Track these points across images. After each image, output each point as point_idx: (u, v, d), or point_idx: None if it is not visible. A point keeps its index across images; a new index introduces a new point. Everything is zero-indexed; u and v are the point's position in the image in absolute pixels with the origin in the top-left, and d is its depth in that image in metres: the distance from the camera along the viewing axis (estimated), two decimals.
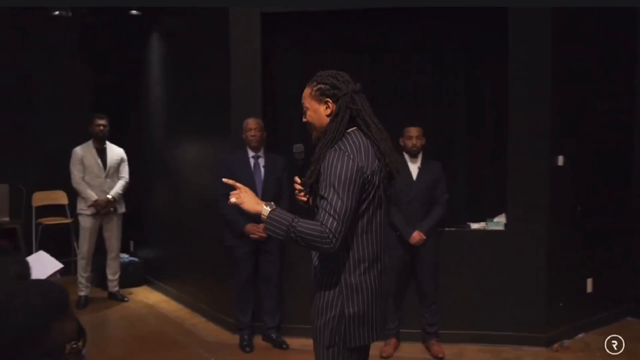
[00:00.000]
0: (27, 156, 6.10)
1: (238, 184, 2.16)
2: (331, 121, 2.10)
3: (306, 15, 4.35)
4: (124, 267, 5.67)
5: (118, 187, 5.30)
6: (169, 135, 5.49)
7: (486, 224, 4.26)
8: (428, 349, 4.10)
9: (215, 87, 4.53)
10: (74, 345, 1.22)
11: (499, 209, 4.33)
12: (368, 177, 2.03)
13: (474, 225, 4.26)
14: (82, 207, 5.24)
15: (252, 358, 4.09)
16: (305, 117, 2.18)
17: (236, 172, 4.04)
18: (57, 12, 6.57)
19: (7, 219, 5.92)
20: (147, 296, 5.63)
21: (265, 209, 2.05)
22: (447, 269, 4.16)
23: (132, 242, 6.25)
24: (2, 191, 5.98)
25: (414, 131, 3.94)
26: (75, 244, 5.99)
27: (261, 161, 4.18)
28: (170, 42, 5.43)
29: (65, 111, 6.33)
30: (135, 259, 6.00)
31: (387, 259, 2.22)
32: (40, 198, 6.12)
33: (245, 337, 4.24)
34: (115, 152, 5.37)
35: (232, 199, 2.11)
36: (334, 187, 1.98)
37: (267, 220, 2.02)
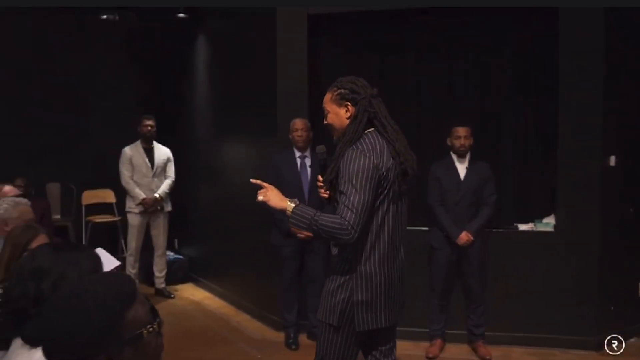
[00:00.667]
0: (77, 156, 6.31)
1: (264, 184, 2.35)
2: (350, 123, 2.28)
3: (351, 16, 4.37)
4: (169, 264, 5.80)
5: (165, 186, 5.43)
6: (215, 136, 5.59)
7: (534, 225, 4.20)
8: (474, 350, 4.07)
9: (261, 87, 4.60)
10: (151, 329, 1.26)
11: (547, 210, 4.27)
12: (383, 173, 2.21)
13: (522, 226, 4.20)
14: (130, 205, 5.38)
15: (298, 356, 4.13)
16: (326, 120, 2.37)
17: (283, 172, 4.11)
18: (104, 17, 6.81)
19: (58, 216, 6.14)
20: (192, 293, 5.74)
21: (290, 205, 2.24)
22: (494, 270, 4.12)
23: (176, 240, 6.38)
24: (54, 190, 6.22)
25: (462, 131, 3.91)
26: (122, 241, 6.16)
27: (307, 161, 4.22)
28: (216, 44, 5.53)
29: (113, 112, 6.52)
30: (180, 257, 6.13)
31: (403, 252, 2.41)
32: (90, 197, 6.31)
33: (291, 334, 4.29)
34: (162, 151, 5.50)
35: (260, 197, 2.31)
36: (352, 183, 2.16)
37: (292, 214, 2.22)
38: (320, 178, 2.40)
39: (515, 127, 4.42)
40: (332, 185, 2.32)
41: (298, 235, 4.09)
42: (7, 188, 3.59)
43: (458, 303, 4.16)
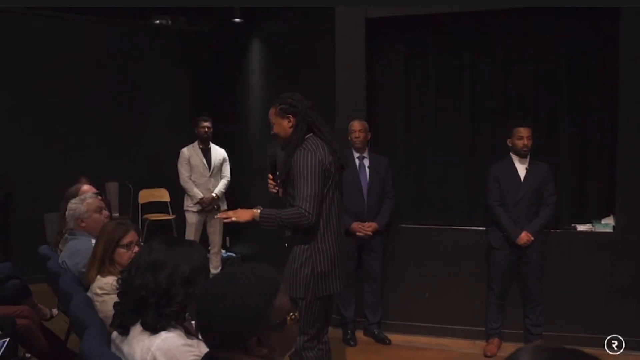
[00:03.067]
0: (134, 156, 6.55)
1: (226, 213, 2.86)
2: (294, 131, 2.74)
3: (409, 19, 4.44)
4: (223, 261, 5.97)
5: (221, 185, 5.60)
6: (270, 137, 5.72)
7: (593, 225, 4.20)
8: None
9: (319, 89, 4.71)
10: (293, 316, 1.38)
11: (606, 210, 4.27)
12: (327, 167, 2.69)
13: (581, 227, 4.21)
14: (188, 204, 5.57)
15: (357, 352, 4.22)
16: (272, 130, 2.84)
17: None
18: (157, 22, 7.04)
19: (117, 214, 6.38)
20: None
21: (256, 212, 2.71)
22: (553, 270, 4.13)
23: (228, 238, 6.56)
24: (112, 189, 6.46)
25: (524, 131, 3.94)
26: None
27: (366, 162, 4.31)
28: (272, 48, 5.68)
29: (168, 114, 6.75)
30: (233, 254, 6.30)
31: (342, 230, 2.90)
32: (146, 195, 6.55)
33: (349, 331, 4.39)
34: (218, 152, 5.68)
35: (233, 218, 2.75)
36: (303, 177, 2.63)
37: (260, 217, 2.69)
38: (270, 176, 2.87)
39: (574, 126, 4.42)
40: (285, 183, 2.77)
41: (357, 233, 4.20)
42: (86, 187, 3.79)
43: (515, 302, 4.20)
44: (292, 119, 2.76)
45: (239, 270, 1.43)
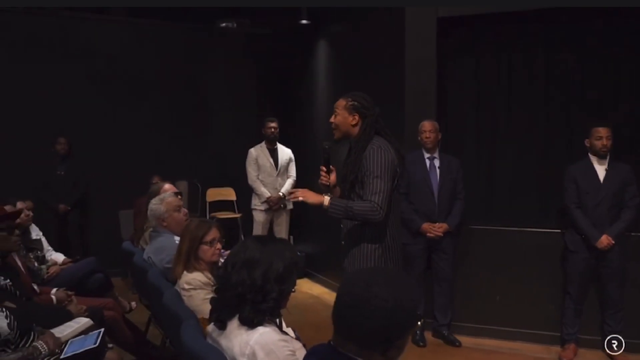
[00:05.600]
0: (203, 156, 6.76)
1: (296, 192, 2.76)
2: (362, 134, 2.76)
3: (480, 18, 4.38)
4: None
5: (287, 184, 5.69)
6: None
7: None
8: (611, 358, 3.96)
9: (388, 90, 4.71)
10: (413, 329, 1.46)
11: None
12: (396, 167, 2.73)
13: None
14: (256, 203, 5.69)
15: (427, 353, 4.21)
16: (334, 119, 2.83)
17: (412, 173, 4.19)
18: (223, 25, 7.22)
19: (187, 211, 6.58)
20: (310, 288, 5.98)
21: (326, 198, 2.70)
22: (635, 275, 3.98)
23: (291, 237, 6.65)
24: (181, 187, 6.67)
25: (603, 131, 3.81)
26: (242, 236, 6.51)
27: (436, 162, 4.29)
28: (337, 48, 5.72)
29: (234, 116, 6.93)
30: (298, 253, 6.39)
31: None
32: (213, 194, 6.74)
33: (417, 332, 4.37)
34: (284, 152, 5.77)
35: (299, 197, 2.70)
36: (376, 173, 2.64)
37: (330, 205, 2.68)
38: (323, 168, 2.87)
39: None
40: (353, 180, 2.74)
41: (428, 234, 4.18)
42: (167, 186, 3.96)
43: (592, 307, 4.07)
44: (357, 118, 2.79)
45: (394, 273, 1.51)
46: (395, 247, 2.82)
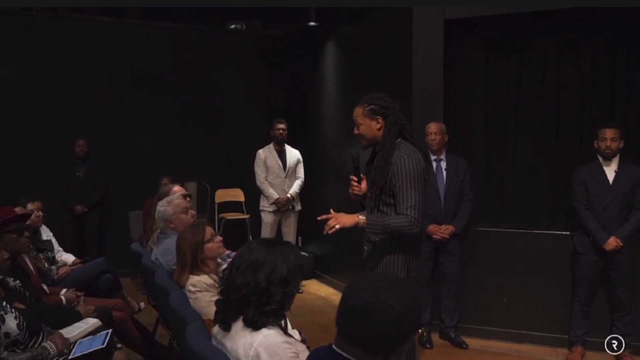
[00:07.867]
0: (212, 157, 6.80)
1: (328, 215, 2.62)
2: (386, 135, 2.62)
3: (488, 19, 4.36)
4: None
5: (296, 186, 5.72)
6: (344, 137, 5.78)
7: None
8: (617, 358, 3.93)
9: (395, 91, 4.65)
10: (418, 335, 1.48)
11: None
12: (424, 175, 2.64)
13: None
14: (264, 204, 5.71)
15: (434, 355, 4.20)
16: (357, 130, 2.71)
17: None
18: (233, 26, 7.26)
19: (194, 213, 6.61)
20: (317, 289, 5.99)
21: (361, 218, 2.60)
22: None
23: (300, 238, 6.67)
24: (190, 188, 6.71)
25: (608, 133, 3.77)
26: (250, 237, 6.54)
27: (442, 164, 4.28)
28: (346, 50, 5.73)
29: (243, 117, 6.96)
30: (305, 254, 6.40)
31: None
32: (222, 195, 6.77)
33: (425, 334, 4.37)
34: (293, 153, 5.80)
35: (336, 226, 2.56)
36: (408, 184, 2.54)
37: (368, 224, 2.58)
38: (354, 178, 2.80)
39: None
40: (383, 185, 2.62)
41: (434, 236, 4.18)
42: (176, 187, 3.99)
43: (600, 310, 4.05)
44: (381, 120, 2.65)
45: (401, 280, 1.54)
46: (418, 254, 2.76)
